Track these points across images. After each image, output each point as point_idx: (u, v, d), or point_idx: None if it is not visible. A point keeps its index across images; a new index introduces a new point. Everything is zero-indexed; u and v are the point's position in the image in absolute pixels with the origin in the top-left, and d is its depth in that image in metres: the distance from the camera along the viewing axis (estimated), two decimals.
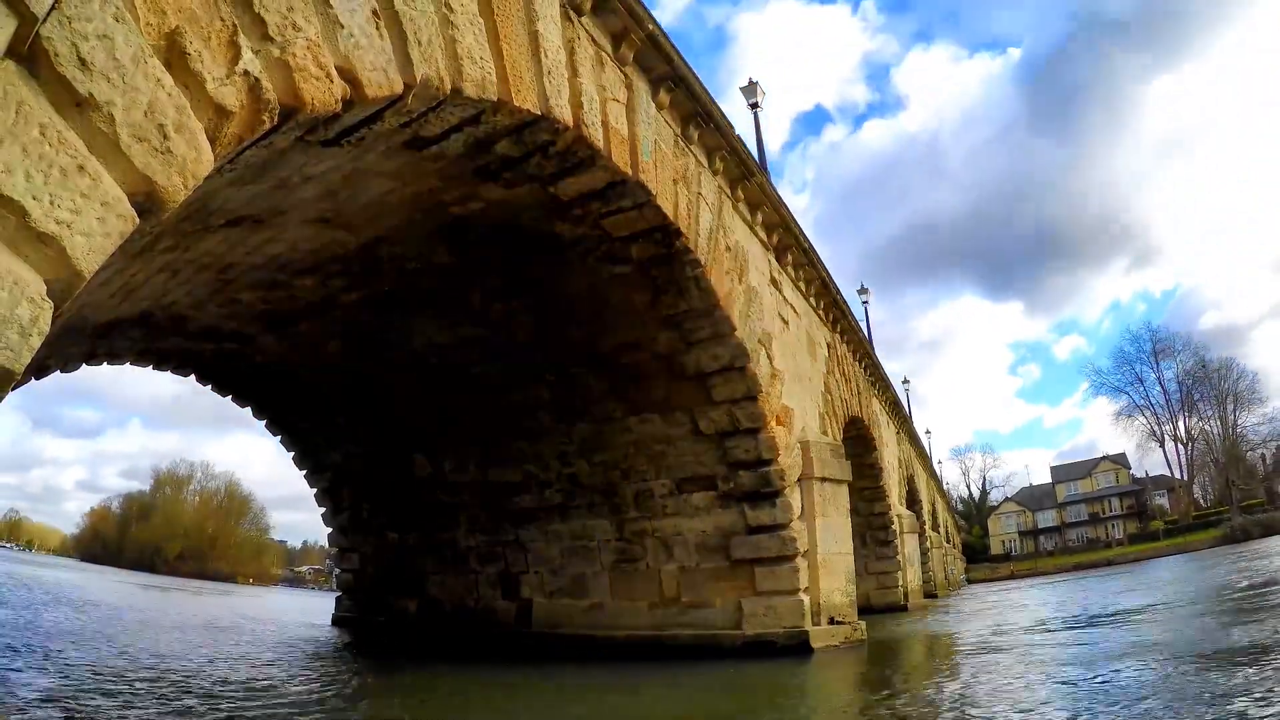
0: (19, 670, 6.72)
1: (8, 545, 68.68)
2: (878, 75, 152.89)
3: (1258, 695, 4.45)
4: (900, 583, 19.26)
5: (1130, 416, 57.77)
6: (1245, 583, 14.57)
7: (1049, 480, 72.80)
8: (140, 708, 5.54)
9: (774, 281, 10.87)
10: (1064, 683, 5.86)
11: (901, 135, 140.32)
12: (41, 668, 7.00)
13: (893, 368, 24.97)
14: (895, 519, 19.94)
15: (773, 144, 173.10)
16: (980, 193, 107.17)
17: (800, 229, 11.71)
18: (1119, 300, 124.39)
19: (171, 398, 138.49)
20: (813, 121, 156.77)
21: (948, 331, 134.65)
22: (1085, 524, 65.48)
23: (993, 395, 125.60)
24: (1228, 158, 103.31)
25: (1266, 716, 3.89)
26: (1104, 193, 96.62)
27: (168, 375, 11.61)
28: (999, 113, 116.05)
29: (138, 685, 6.48)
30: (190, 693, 6.31)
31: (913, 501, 26.04)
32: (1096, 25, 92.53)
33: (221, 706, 5.74)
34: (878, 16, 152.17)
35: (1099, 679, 5.72)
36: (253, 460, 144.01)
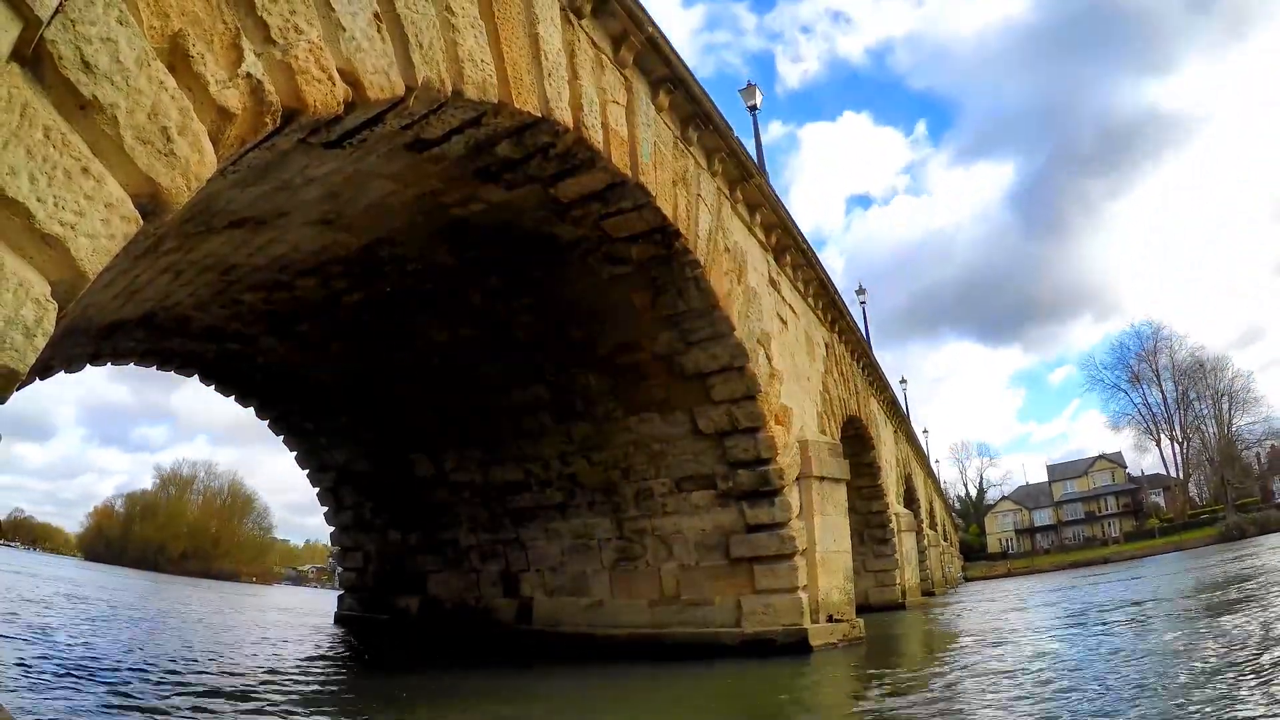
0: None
1: (12, 544, 68.56)
2: (914, 171, 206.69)
3: None
4: (898, 580, 19.29)
5: (1128, 415, 57.87)
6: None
7: (1045, 479, 72.71)
8: None
9: (773, 282, 10.88)
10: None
11: (921, 228, 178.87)
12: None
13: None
14: (893, 517, 19.96)
15: (826, 225, 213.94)
16: (976, 271, 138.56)
17: (799, 230, 11.69)
18: (1109, 333, 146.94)
19: (241, 418, 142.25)
20: (861, 201, 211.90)
21: (950, 370, 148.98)
22: (1081, 522, 65.44)
23: (990, 416, 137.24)
24: (1179, 226, 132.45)
25: None
26: (1077, 266, 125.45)
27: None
28: (998, 218, 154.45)
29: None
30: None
31: (910, 500, 26.07)
32: (1071, 158, 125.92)
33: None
34: (927, 140, 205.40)
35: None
36: (297, 473, 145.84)
